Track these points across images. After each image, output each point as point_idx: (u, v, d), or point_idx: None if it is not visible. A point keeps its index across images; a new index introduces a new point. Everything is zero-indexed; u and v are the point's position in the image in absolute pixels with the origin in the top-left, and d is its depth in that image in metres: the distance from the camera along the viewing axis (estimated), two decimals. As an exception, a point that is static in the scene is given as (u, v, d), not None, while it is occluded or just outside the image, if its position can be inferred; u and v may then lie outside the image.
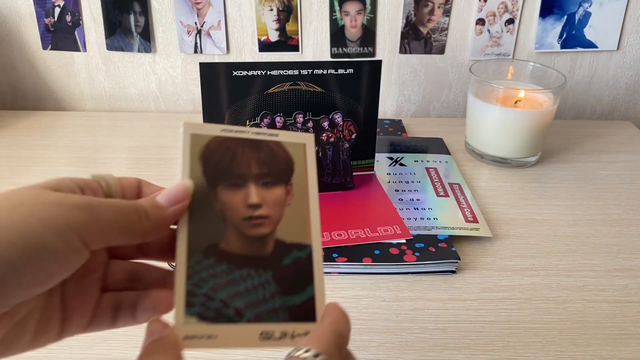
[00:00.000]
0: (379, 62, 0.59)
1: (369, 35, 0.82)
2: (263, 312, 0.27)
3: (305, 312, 0.27)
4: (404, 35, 0.82)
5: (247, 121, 0.58)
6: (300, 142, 0.32)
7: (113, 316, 0.29)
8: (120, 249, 0.30)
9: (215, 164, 0.29)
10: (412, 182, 0.66)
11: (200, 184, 0.28)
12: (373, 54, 0.84)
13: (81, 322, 0.27)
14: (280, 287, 0.28)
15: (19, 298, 0.22)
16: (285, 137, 0.31)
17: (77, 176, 0.27)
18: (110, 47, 0.83)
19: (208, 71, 0.56)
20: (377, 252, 0.52)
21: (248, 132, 0.30)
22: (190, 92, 0.87)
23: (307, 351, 0.24)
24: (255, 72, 0.57)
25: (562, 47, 0.82)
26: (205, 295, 0.26)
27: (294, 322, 0.27)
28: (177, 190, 0.27)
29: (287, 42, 0.82)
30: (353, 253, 0.52)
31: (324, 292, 0.28)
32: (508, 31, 0.81)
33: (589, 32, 0.81)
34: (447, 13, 0.80)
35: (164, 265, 0.31)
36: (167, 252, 0.29)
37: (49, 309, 0.26)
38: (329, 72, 0.58)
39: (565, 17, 0.80)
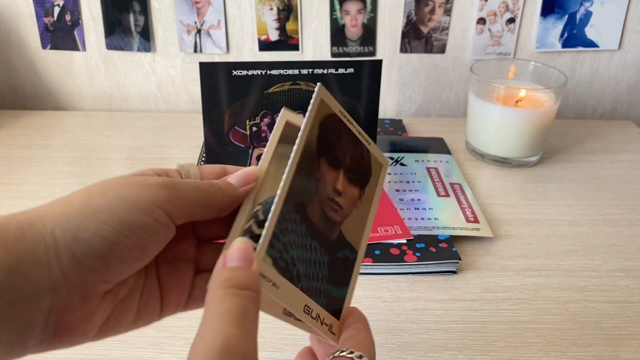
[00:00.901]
0: (380, 61, 0.59)
1: (369, 34, 0.82)
2: (312, 287, 0.28)
3: (336, 307, 0.29)
4: (404, 35, 0.82)
5: (247, 121, 0.58)
6: (381, 162, 0.34)
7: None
8: (204, 229, 0.31)
9: (327, 136, 0.31)
10: (413, 182, 0.65)
11: (312, 145, 0.30)
12: (373, 54, 0.83)
13: (179, 301, 0.30)
14: (330, 274, 0.30)
15: (120, 274, 0.25)
16: (373, 149, 0.34)
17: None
18: (109, 46, 0.83)
19: (208, 71, 0.56)
20: (377, 252, 0.52)
21: (354, 126, 0.32)
22: (190, 91, 0.87)
23: (358, 356, 0.27)
24: (255, 72, 0.57)
25: (563, 46, 0.82)
26: (284, 245, 0.27)
27: (327, 310, 0.29)
28: (246, 173, 0.30)
29: (287, 41, 0.82)
30: (353, 253, 0.52)
31: (352, 298, 0.31)
32: (509, 30, 0.81)
33: (590, 32, 0.81)
34: (447, 12, 0.80)
35: None
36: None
37: (148, 288, 0.28)
38: (329, 71, 0.58)
39: (567, 16, 0.80)
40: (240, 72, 0.56)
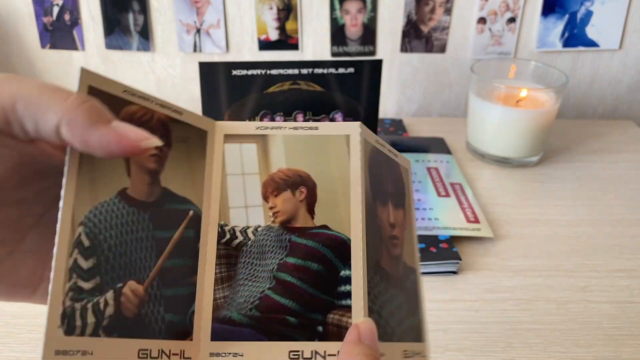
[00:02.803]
0: (380, 61, 0.59)
1: (369, 34, 0.81)
2: (405, 331, 0.27)
3: (417, 333, 0.28)
4: (405, 34, 0.82)
5: (247, 120, 0.58)
6: (406, 167, 0.31)
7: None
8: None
9: (374, 177, 0.28)
10: (413, 182, 0.65)
11: (368, 196, 0.27)
12: (374, 53, 0.83)
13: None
14: (409, 308, 0.28)
15: None
16: (400, 160, 0.31)
17: None
18: (109, 46, 0.83)
19: (207, 70, 0.56)
20: (377, 252, 0.52)
21: (386, 146, 0.29)
22: (189, 91, 0.87)
23: None
24: (255, 72, 0.56)
25: (564, 46, 0.82)
26: (377, 313, 0.26)
27: (416, 342, 0.27)
28: (137, 132, 0.23)
29: (287, 40, 0.82)
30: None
31: (426, 314, 0.29)
32: (510, 30, 0.81)
33: (590, 31, 0.81)
34: (448, 12, 0.80)
35: None
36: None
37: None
38: (329, 71, 0.58)
39: (567, 15, 0.80)
40: (240, 72, 0.56)
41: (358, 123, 0.27)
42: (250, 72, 0.56)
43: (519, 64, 0.75)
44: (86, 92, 0.25)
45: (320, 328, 0.25)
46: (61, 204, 0.23)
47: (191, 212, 0.27)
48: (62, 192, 0.23)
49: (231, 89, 0.57)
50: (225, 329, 0.26)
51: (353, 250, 0.26)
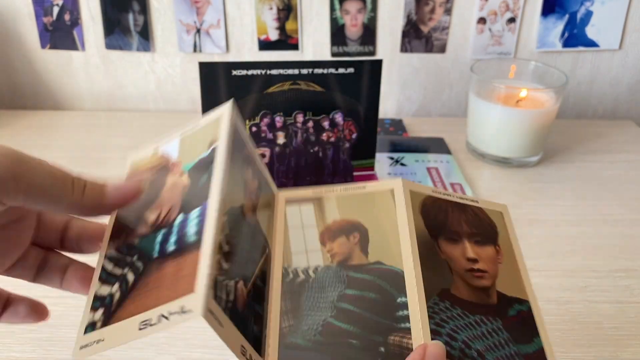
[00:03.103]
0: (380, 61, 0.59)
1: (369, 34, 0.81)
2: (503, 357, 0.28)
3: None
4: (404, 34, 0.82)
5: (247, 121, 0.58)
6: (498, 210, 0.35)
7: (36, 272, 0.29)
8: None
9: (433, 219, 0.32)
10: (413, 182, 0.65)
11: (424, 235, 0.30)
12: (374, 53, 0.83)
13: (2, 263, 0.27)
14: (512, 335, 0.29)
15: None
16: (484, 204, 0.35)
17: None
18: (109, 46, 0.83)
19: (207, 70, 0.56)
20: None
21: (453, 196, 0.34)
22: (189, 91, 0.87)
23: None
24: (254, 72, 0.56)
25: (564, 46, 0.82)
26: (449, 335, 0.27)
27: None
28: (131, 184, 0.27)
29: (287, 41, 0.82)
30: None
31: (550, 343, 0.30)
32: (509, 30, 0.81)
33: (590, 31, 0.81)
34: (448, 12, 0.80)
35: (97, 220, 0.30)
36: (95, 239, 0.30)
37: None
38: (329, 71, 0.58)
39: (567, 15, 0.80)
40: (240, 72, 0.56)
41: (400, 179, 0.33)
42: (250, 72, 0.56)
43: (519, 64, 0.75)
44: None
45: (382, 349, 0.27)
46: (216, 193, 0.26)
47: (268, 250, 0.32)
48: (217, 183, 0.27)
49: (231, 89, 0.57)
50: (292, 354, 0.28)
51: (407, 278, 0.28)
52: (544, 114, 0.67)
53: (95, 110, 0.89)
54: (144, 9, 0.80)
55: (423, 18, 0.80)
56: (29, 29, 0.83)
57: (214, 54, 0.83)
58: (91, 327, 0.25)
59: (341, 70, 0.58)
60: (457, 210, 0.33)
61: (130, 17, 0.81)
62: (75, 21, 0.82)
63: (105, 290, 0.26)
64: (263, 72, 0.56)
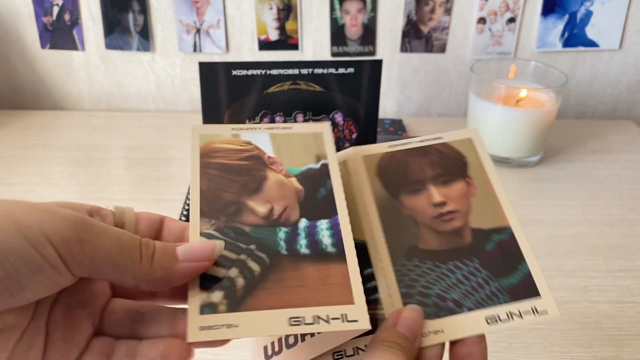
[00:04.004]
0: (380, 61, 0.59)
1: (369, 34, 0.81)
2: (482, 299, 0.27)
3: (526, 289, 0.28)
4: (404, 34, 0.82)
5: (247, 120, 0.58)
6: (466, 138, 0.33)
7: None
8: (123, 287, 0.26)
9: (392, 176, 0.31)
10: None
11: (383, 197, 0.31)
12: (374, 53, 0.83)
13: (64, 359, 0.24)
14: (491, 272, 0.28)
15: None
16: (449, 137, 0.33)
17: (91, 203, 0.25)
18: (109, 46, 0.83)
19: (207, 70, 0.56)
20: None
21: (412, 142, 0.33)
22: (189, 91, 0.87)
23: None
24: (254, 72, 0.56)
25: (564, 46, 0.82)
26: (420, 294, 0.27)
27: (517, 301, 0.27)
28: (203, 247, 0.25)
29: (287, 41, 0.82)
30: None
31: (538, 266, 0.28)
32: (509, 30, 0.81)
33: (590, 31, 0.81)
34: (448, 12, 0.80)
35: (173, 305, 0.28)
36: (179, 295, 0.26)
37: (31, 331, 0.23)
38: (329, 71, 0.58)
39: (567, 15, 0.80)
40: (240, 72, 0.56)
41: (352, 148, 0.33)
42: (250, 72, 0.56)
43: (519, 64, 0.75)
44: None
45: None
46: (343, 210, 0.29)
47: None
48: (341, 202, 0.29)
49: (231, 89, 0.57)
50: None
51: (370, 249, 0.29)
52: (544, 114, 0.67)
53: (95, 110, 0.89)
54: (144, 9, 0.80)
55: (423, 18, 0.80)
56: (29, 29, 0.83)
57: (214, 54, 0.83)
58: (210, 308, 0.24)
59: (341, 70, 0.58)
60: (418, 156, 0.32)
61: (130, 17, 0.81)
62: (75, 21, 0.82)
63: (219, 271, 0.26)
64: (263, 72, 0.56)
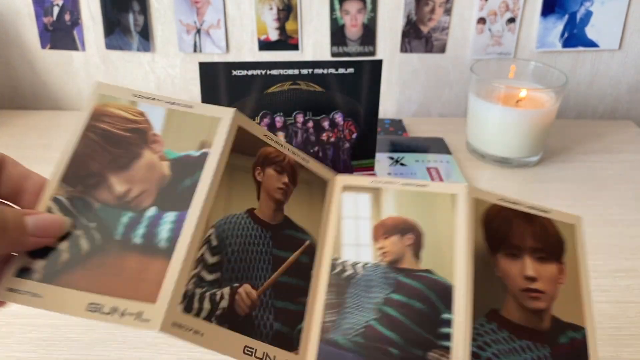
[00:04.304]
0: (380, 61, 0.59)
1: (369, 34, 0.81)
2: None
3: None
4: (404, 34, 0.82)
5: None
6: (570, 223, 0.32)
7: None
8: None
9: (495, 231, 0.30)
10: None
11: (482, 249, 0.29)
12: (374, 53, 0.83)
13: None
14: None
15: None
16: (556, 215, 0.32)
17: None
18: (109, 46, 0.83)
19: (207, 71, 0.56)
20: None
21: (522, 204, 0.32)
22: (189, 91, 0.87)
23: None
24: (255, 72, 0.56)
25: (564, 46, 0.82)
26: None
27: None
28: (52, 222, 0.26)
29: (287, 41, 0.82)
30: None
31: None
32: (509, 30, 0.81)
33: (590, 31, 0.81)
34: (448, 12, 0.80)
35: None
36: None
37: None
38: (329, 71, 0.58)
39: (567, 16, 0.80)
40: (240, 72, 0.56)
41: (465, 185, 0.31)
42: (250, 72, 0.56)
43: (518, 64, 0.75)
44: (235, 131, 0.30)
45: None
46: (199, 206, 0.27)
47: (307, 242, 0.31)
48: (201, 197, 0.27)
49: (231, 89, 0.57)
50: (331, 350, 0.28)
51: (456, 295, 0.28)
52: (544, 114, 0.67)
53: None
54: (144, 9, 0.80)
55: (423, 18, 0.80)
56: (29, 29, 0.83)
57: (214, 54, 0.83)
58: (26, 272, 0.25)
59: (341, 71, 0.58)
60: (523, 221, 0.31)
61: (130, 17, 0.81)
62: (76, 21, 0.82)
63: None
64: (263, 72, 0.56)
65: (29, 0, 0.81)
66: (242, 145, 0.31)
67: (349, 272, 0.30)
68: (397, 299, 0.29)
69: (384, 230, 0.32)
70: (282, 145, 0.33)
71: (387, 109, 0.88)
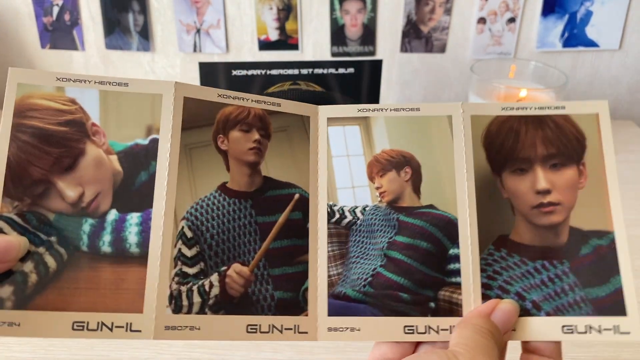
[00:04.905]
0: (380, 61, 0.59)
1: (369, 34, 0.81)
2: (563, 305, 0.26)
3: (614, 305, 0.25)
4: (404, 34, 0.82)
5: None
6: (592, 113, 0.27)
7: None
8: None
9: (498, 149, 0.27)
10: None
11: (484, 172, 0.27)
12: (374, 53, 0.83)
13: None
14: (580, 279, 0.26)
15: None
16: (573, 108, 0.27)
17: None
18: (109, 46, 0.83)
19: (207, 70, 0.56)
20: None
21: (531, 108, 0.28)
22: (189, 91, 0.87)
23: None
24: (255, 72, 0.56)
25: (564, 46, 0.82)
26: (500, 288, 0.26)
27: (600, 315, 0.25)
28: (7, 248, 0.23)
29: (287, 41, 0.82)
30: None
31: (633, 283, 0.25)
32: (509, 30, 0.81)
33: (590, 31, 0.81)
34: (448, 12, 0.80)
35: None
36: None
37: None
38: (329, 71, 0.58)
39: (567, 16, 0.80)
40: (240, 72, 0.56)
41: (459, 103, 0.28)
42: (250, 72, 0.56)
43: (519, 64, 0.75)
44: (182, 105, 0.27)
45: (432, 304, 0.26)
46: (162, 202, 0.25)
47: (297, 195, 0.28)
48: (162, 191, 0.25)
49: (231, 89, 0.57)
50: (342, 304, 0.27)
51: (460, 228, 0.26)
52: (544, 114, 0.67)
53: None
54: (144, 9, 0.80)
55: (423, 18, 0.80)
56: (29, 29, 0.83)
57: (214, 54, 0.83)
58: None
59: (341, 71, 0.58)
60: (533, 127, 0.27)
61: (130, 17, 0.81)
62: (75, 21, 0.82)
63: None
64: (263, 72, 0.56)
65: (28, 0, 0.81)
66: (194, 118, 0.27)
67: (349, 218, 0.28)
68: (401, 240, 0.28)
69: (379, 167, 0.29)
70: (243, 99, 0.29)
71: (387, 109, 0.88)
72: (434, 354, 0.23)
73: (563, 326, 0.25)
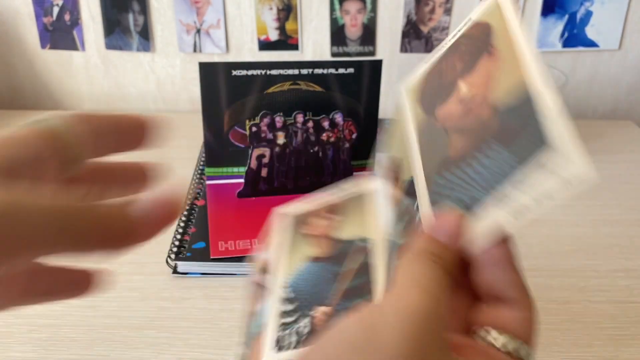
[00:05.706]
0: (380, 61, 0.59)
1: (369, 34, 0.81)
2: (490, 174, 0.24)
3: (534, 142, 0.25)
4: (404, 34, 0.82)
5: (247, 121, 0.58)
6: (492, 3, 0.26)
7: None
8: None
9: (429, 94, 0.28)
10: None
11: (422, 121, 0.27)
12: (374, 53, 0.83)
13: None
14: (502, 142, 0.24)
15: None
16: (476, 13, 0.27)
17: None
18: (109, 46, 0.83)
19: (208, 71, 0.56)
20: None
21: (446, 42, 0.28)
22: (189, 91, 0.87)
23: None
24: (254, 72, 0.56)
25: (564, 46, 0.82)
26: (448, 197, 0.24)
27: (524, 162, 0.24)
28: (176, 200, 0.19)
29: (287, 41, 0.82)
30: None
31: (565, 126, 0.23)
32: (509, 30, 0.81)
33: (590, 31, 0.81)
34: (448, 12, 0.80)
35: None
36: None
37: None
38: (329, 71, 0.58)
39: (567, 16, 0.80)
40: (240, 72, 0.56)
41: (402, 87, 0.30)
42: (250, 72, 0.56)
43: (518, 64, 0.75)
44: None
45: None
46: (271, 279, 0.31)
47: (360, 247, 0.33)
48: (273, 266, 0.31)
49: (231, 89, 0.57)
50: None
51: (416, 184, 0.27)
52: (544, 114, 0.67)
53: (95, 110, 0.89)
54: (144, 9, 0.80)
55: (423, 18, 0.80)
56: (29, 29, 0.83)
57: (214, 54, 0.83)
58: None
59: (341, 71, 0.58)
60: (451, 54, 0.27)
61: (130, 17, 0.81)
62: (75, 21, 0.82)
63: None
64: (263, 72, 0.56)
65: (28, 0, 0.81)
66: None
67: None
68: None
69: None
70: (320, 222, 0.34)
71: (387, 109, 0.88)
72: (352, 320, 0.19)
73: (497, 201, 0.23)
